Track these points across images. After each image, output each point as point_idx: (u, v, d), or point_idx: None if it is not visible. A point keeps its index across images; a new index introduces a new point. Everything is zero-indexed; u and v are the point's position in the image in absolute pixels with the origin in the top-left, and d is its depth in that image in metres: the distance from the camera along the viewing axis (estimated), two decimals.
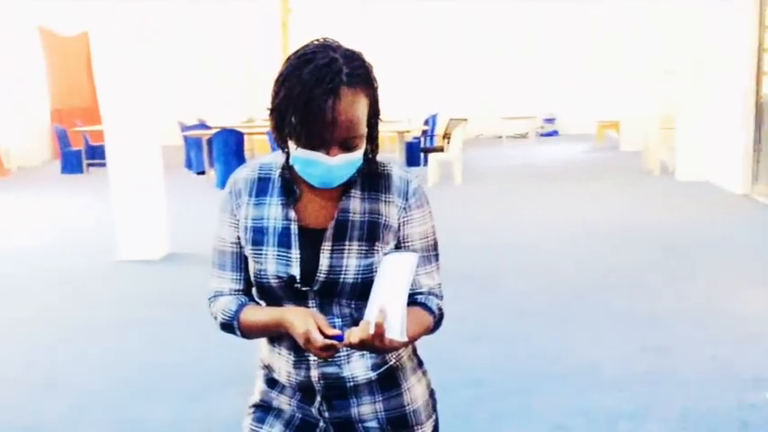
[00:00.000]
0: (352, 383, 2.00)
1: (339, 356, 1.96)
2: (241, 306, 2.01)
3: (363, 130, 1.86)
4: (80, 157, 17.64)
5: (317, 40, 1.88)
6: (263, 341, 2.09)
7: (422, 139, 16.87)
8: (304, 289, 1.93)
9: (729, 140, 12.27)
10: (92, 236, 10.26)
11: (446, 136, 15.21)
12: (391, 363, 2.04)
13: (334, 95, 1.77)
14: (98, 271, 8.46)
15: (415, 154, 16.02)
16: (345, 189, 1.95)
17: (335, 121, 1.77)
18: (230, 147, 14.11)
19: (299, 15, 19.38)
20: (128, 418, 4.72)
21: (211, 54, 22.72)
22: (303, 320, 1.81)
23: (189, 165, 16.65)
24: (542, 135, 23.39)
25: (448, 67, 22.66)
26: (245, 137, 15.07)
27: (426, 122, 17.40)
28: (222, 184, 13.10)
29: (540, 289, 7.17)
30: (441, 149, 15.12)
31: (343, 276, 1.91)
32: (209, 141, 14.73)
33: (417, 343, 2.12)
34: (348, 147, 1.83)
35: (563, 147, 20.25)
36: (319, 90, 1.76)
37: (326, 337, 1.77)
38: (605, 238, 9.11)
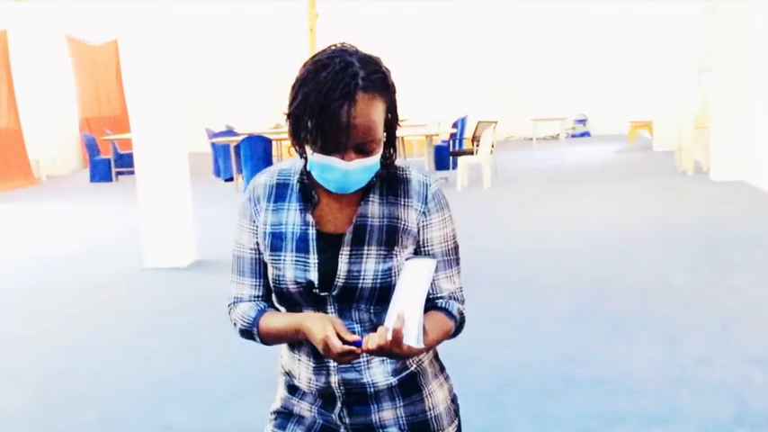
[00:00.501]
0: (372, 389, 2.00)
1: (359, 362, 1.97)
2: (260, 312, 2.03)
3: (380, 135, 1.87)
4: (109, 165, 17.81)
5: (335, 45, 1.90)
6: (283, 347, 2.11)
7: (450, 142, 16.84)
8: (323, 294, 1.94)
9: (766, 139, 12.14)
10: (120, 244, 10.36)
11: (475, 139, 15.18)
12: (412, 368, 2.04)
13: (349, 100, 1.78)
14: (126, 279, 8.54)
15: (443, 157, 16.00)
16: (364, 194, 1.96)
17: (351, 125, 1.79)
18: (258, 153, 14.17)
19: (327, 20, 19.41)
20: (158, 425, 4.76)
21: (239, 60, 22.83)
22: (321, 326, 1.82)
23: (217, 172, 16.74)
24: (573, 136, 23.29)
25: (477, 69, 22.59)
26: (274, 143, 15.14)
27: (455, 125, 17.36)
28: None
29: (571, 292, 7.14)
30: (470, 153, 15.10)
31: (361, 281, 1.91)
32: (237, 148, 14.80)
33: (440, 348, 2.12)
34: (364, 152, 1.85)
35: (595, 148, 20.14)
36: (335, 95, 1.77)
37: (345, 342, 1.78)
38: (637, 241, 9.05)
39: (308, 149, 1.88)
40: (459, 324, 2.08)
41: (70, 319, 7.19)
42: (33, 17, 18.79)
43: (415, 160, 17.33)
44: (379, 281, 1.91)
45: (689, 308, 6.53)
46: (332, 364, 1.97)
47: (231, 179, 15.65)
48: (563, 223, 10.37)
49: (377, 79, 1.85)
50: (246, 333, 2.05)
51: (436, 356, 2.16)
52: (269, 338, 2.02)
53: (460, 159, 14.32)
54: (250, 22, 22.39)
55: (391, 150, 1.97)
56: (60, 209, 14.38)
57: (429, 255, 2.00)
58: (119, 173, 17.62)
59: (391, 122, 1.94)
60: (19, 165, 18.26)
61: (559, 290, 7.24)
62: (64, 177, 19.55)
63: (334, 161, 1.83)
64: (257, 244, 2.03)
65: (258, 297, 2.06)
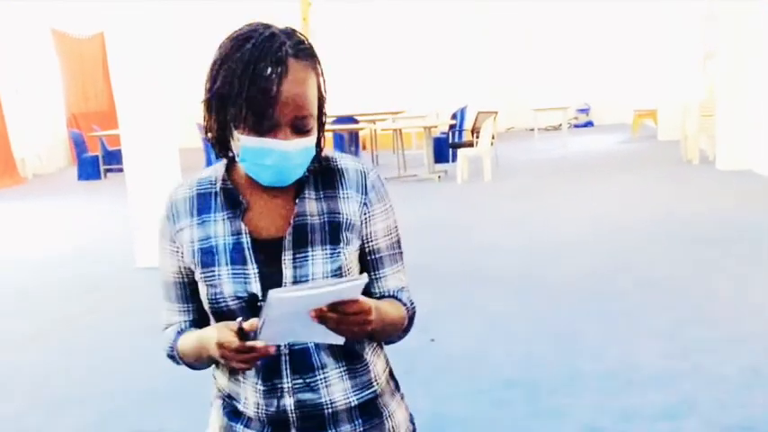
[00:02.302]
0: (330, 410, 1.85)
1: (315, 380, 1.83)
2: (178, 334, 1.93)
3: (314, 110, 1.75)
4: (97, 162, 17.82)
5: (249, 24, 1.77)
6: (220, 366, 1.94)
7: (450, 134, 16.86)
8: None
9: None
10: (110, 243, 10.38)
11: (475, 130, 15.19)
12: (374, 388, 1.93)
13: (281, 66, 1.66)
14: (117, 279, 8.57)
15: (442, 150, 16.02)
16: (298, 192, 1.83)
17: (285, 94, 1.67)
18: None
19: (320, 9, 19.43)
20: (154, 426, 4.79)
21: None
22: (218, 330, 1.69)
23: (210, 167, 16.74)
24: (576, 126, 23.30)
25: (476, 57, 22.58)
26: None
27: (454, 116, 17.37)
28: None
29: (575, 286, 7.17)
30: (470, 144, 15.11)
31: None
32: None
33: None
34: (300, 129, 1.72)
35: (598, 138, 20.16)
36: (264, 63, 1.66)
37: (245, 335, 1.63)
38: (643, 232, 9.07)
39: (236, 137, 1.73)
40: (411, 316, 1.95)
41: (62, 321, 7.21)
42: (16, 9, 18.70)
43: (413, 153, 17.36)
44: None
45: (696, 300, 6.56)
46: (285, 384, 1.82)
47: None
48: (566, 216, 10.39)
49: (305, 48, 1.73)
50: (171, 358, 1.97)
51: (392, 374, 2.04)
52: (190, 360, 1.91)
53: (460, 152, 14.34)
54: (241, 12, 22.36)
55: (320, 137, 1.82)
56: (48, 208, 14.40)
57: (374, 250, 1.89)
58: (107, 170, 17.61)
59: (322, 104, 1.80)
60: (4, 163, 18.23)
61: (564, 284, 7.27)
62: (51, 176, 19.54)
63: (269, 142, 1.69)
64: (181, 267, 1.90)
65: (188, 321, 1.95)
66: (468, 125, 16.85)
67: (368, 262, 1.90)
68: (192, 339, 1.86)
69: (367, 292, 1.80)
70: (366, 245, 1.88)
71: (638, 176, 13.37)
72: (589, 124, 23.65)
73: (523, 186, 13.20)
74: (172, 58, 9.63)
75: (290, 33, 1.74)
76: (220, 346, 1.65)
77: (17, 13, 18.84)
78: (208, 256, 1.83)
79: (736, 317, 6.11)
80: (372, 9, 22.16)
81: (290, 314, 1.57)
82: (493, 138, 14.37)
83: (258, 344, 1.60)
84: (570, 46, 23.23)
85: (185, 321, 1.95)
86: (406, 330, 1.95)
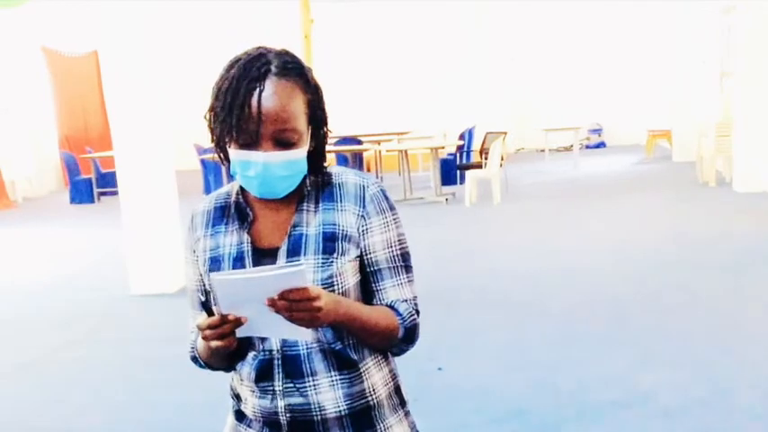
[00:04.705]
0: (319, 416, 1.98)
1: (305, 385, 1.96)
2: (197, 337, 2.06)
3: (300, 126, 1.92)
4: (90, 185, 17.84)
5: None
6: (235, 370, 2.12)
7: (457, 155, 16.89)
8: None
9: None
10: (103, 269, 10.38)
11: (483, 151, 15.21)
12: (368, 399, 2.02)
13: (260, 84, 1.87)
14: (110, 307, 8.56)
15: (450, 171, 16.05)
16: (298, 204, 2.01)
17: (261, 110, 1.86)
18: None
19: (322, 26, 19.51)
20: None
21: None
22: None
23: (208, 190, 16.77)
24: (588, 147, 23.33)
25: (484, 76, 22.63)
26: None
27: (462, 137, 17.41)
28: None
29: (587, 313, 7.17)
30: (478, 166, 15.11)
31: None
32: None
33: (403, 381, 2.13)
34: (282, 143, 1.90)
35: (611, 159, 20.19)
36: (245, 81, 1.87)
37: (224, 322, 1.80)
38: (658, 257, 9.07)
39: (230, 152, 1.95)
40: (409, 328, 2.04)
41: (52, 351, 7.21)
42: (5, 27, 18.76)
43: (419, 175, 17.39)
44: None
45: (714, 327, 6.56)
46: (277, 387, 1.98)
47: None
48: (579, 240, 10.40)
49: (292, 68, 1.92)
50: (193, 360, 2.16)
51: (397, 390, 2.13)
52: (205, 358, 2.07)
53: (468, 173, 14.34)
54: (242, 30, 22.47)
55: (320, 158, 2.03)
56: (39, 233, 14.40)
57: (372, 262, 2.02)
58: (101, 193, 17.64)
59: (319, 121, 1.99)
60: None
61: (576, 310, 7.27)
62: (42, 199, 19.57)
63: (250, 154, 1.89)
64: (201, 276, 2.10)
65: None
66: (476, 146, 16.86)
67: (367, 274, 2.03)
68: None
69: (367, 304, 2.02)
70: (365, 257, 2.01)
71: (653, 199, 13.38)
72: (601, 145, 23.67)
73: (534, 209, 13.21)
74: (168, 78, 9.67)
75: (282, 54, 1.94)
76: (200, 328, 1.84)
77: (6, 31, 18.88)
78: (215, 264, 2.03)
79: (757, 342, 6.10)
80: (377, 26, 22.25)
81: (244, 300, 1.76)
82: (502, 159, 14.39)
83: (229, 315, 1.79)
84: (582, 64, 23.28)
85: None
86: (406, 341, 2.04)
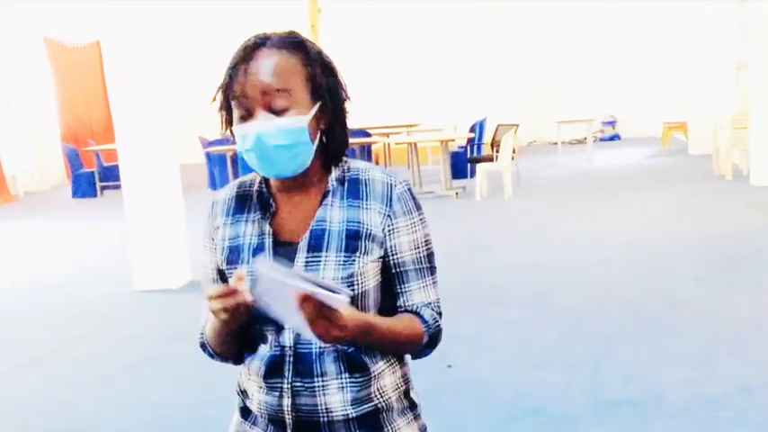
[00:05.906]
0: (326, 418, 1.96)
1: (314, 385, 1.95)
2: (207, 321, 2.07)
3: (293, 92, 1.91)
4: (93, 179, 17.87)
5: None
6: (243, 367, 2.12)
7: (468, 148, 16.86)
8: None
9: None
10: (106, 265, 10.41)
11: (495, 144, 15.18)
12: (376, 402, 2.01)
13: (251, 56, 1.91)
14: (114, 303, 8.58)
15: (460, 165, 16.01)
16: (323, 198, 2.00)
17: (250, 78, 1.89)
18: None
19: (329, 16, 19.50)
20: None
21: None
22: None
23: (212, 184, 16.81)
24: (602, 140, 23.27)
25: (496, 67, 22.59)
26: None
27: (473, 129, 17.38)
28: None
29: (601, 309, 7.16)
30: (489, 159, 15.08)
31: None
32: (234, 158, 14.84)
33: (414, 382, 2.12)
34: (273, 110, 1.90)
35: (625, 152, 20.14)
36: (239, 57, 1.92)
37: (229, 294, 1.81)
38: (672, 253, 9.05)
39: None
40: (433, 334, 2.04)
41: (55, 348, 7.24)
42: (6, 17, 18.78)
43: (429, 168, 17.37)
44: None
45: (730, 326, 6.54)
46: (285, 385, 1.96)
47: None
48: (592, 235, 10.38)
49: (290, 42, 1.94)
50: (202, 347, 2.16)
51: (407, 393, 2.11)
52: (214, 343, 2.08)
53: (479, 167, 14.32)
54: (247, 21, 22.46)
55: (338, 144, 2.02)
56: (40, 228, 14.45)
57: (398, 263, 2.01)
58: (104, 187, 17.67)
59: (325, 97, 1.96)
60: None
61: (588, 307, 7.26)
62: (44, 193, 19.60)
63: (244, 126, 1.92)
64: (218, 264, 2.10)
65: None
66: (487, 139, 16.82)
67: (393, 275, 2.02)
68: (210, 317, 1.98)
69: (392, 305, 2.01)
70: (390, 257, 2.00)
71: (668, 193, 13.35)
72: (615, 137, 23.62)
73: (546, 203, 13.20)
74: (172, 69, 9.67)
75: (283, 33, 1.97)
76: (209, 298, 1.82)
77: (7, 21, 18.90)
78: (234, 254, 2.03)
79: None
80: (386, 16, 22.23)
81: (277, 294, 1.72)
82: (514, 152, 14.37)
83: (239, 285, 1.79)
84: (596, 55, 23.20)
85: None
86: (429, 346, 2.05)
